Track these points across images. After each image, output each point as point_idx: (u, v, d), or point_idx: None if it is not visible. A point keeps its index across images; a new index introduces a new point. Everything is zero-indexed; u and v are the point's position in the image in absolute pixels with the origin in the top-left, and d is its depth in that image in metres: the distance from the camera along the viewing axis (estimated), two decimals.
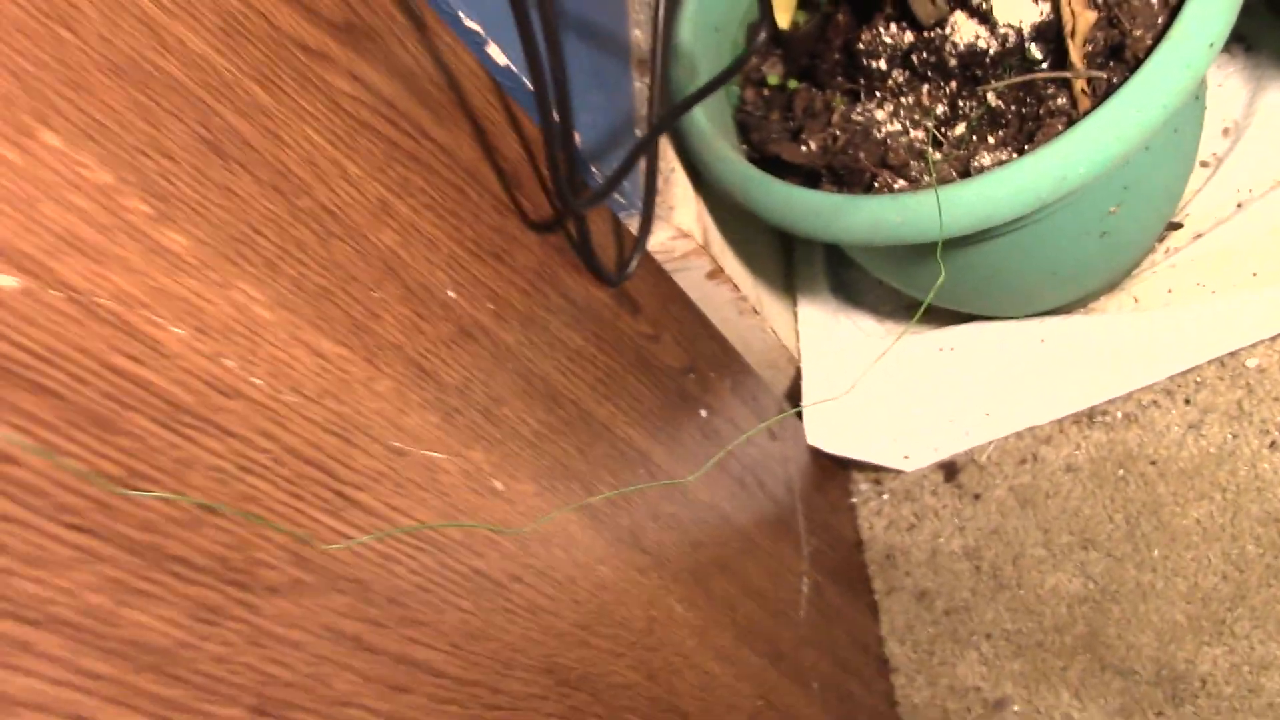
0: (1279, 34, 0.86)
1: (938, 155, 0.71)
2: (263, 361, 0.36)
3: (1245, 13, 0.64)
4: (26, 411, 0.28)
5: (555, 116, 0.51)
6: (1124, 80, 0.63)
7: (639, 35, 0.82)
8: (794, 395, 0.91)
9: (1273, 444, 0.78)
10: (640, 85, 0.79)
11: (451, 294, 0.47)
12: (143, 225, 0.34)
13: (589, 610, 0.50)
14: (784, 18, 0.84)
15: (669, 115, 0.72)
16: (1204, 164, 0.86)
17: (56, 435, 0.29)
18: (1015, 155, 0.70)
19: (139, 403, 0.31)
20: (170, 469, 0.31)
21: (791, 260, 0.96)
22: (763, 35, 0.74)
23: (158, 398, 0.32)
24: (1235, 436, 0.79)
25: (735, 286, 0.79)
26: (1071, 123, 0.67)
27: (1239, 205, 0.82)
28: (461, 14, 0.57)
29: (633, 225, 0.70)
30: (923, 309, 0.84)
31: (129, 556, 0.29)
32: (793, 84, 0.81)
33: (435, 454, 0.43)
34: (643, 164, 0.67)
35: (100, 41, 0.35)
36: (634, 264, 0.62)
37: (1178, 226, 0.85)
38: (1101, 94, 0.68)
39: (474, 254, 0.50)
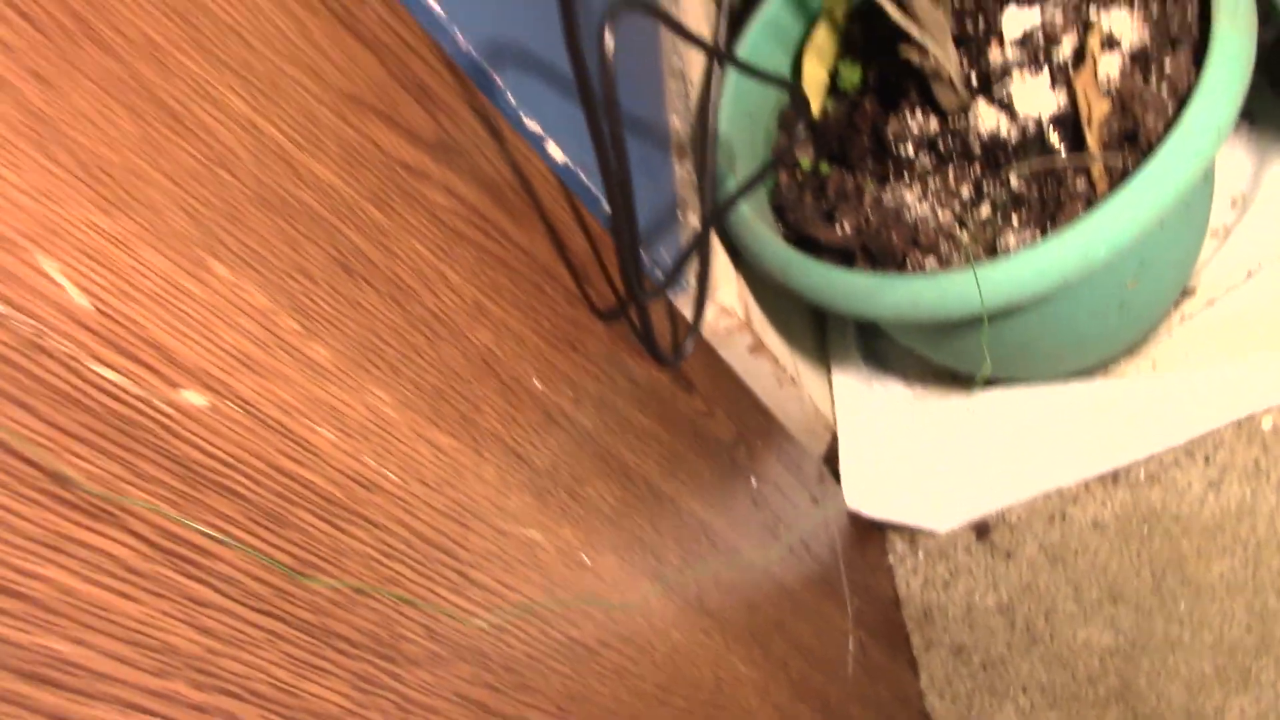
0: None
1: (966, 238, 0.76)
2: (393, 457, 0.41)
3: (1249, 89, 0.69)
4: (219, 511, 0.33)
5: (623, 218, 0.56)
6: (1139, 164, 0.68)
7: (676, 121, 0.88)
8: (830, 459, 0.95)
9: None
10: (680, 170, 0.84)
11: (538, 384, 0.52)
12: (294, 341, 0.38)
13: (666, 672, 0.54)
14: (814, 105, 0.89)
15: (720, 209, 0.77)
16: (1214, 233, 0.91)
17: (242, 531, 0.33)
18: (1039, 234, 0.75)
19: (302, 499, 0.36)
20: (330, 557, 0.36)
21: (824, 331, 1.01)
22: (800, 128, 0.79)
23: (316, 494, 0.36)
24: (1254, 493, 0.83)
25: (775, 359, 0.84)
26: (1091, 204, 0.72)
27: (1249, 273, 0.87)
28: (523, 115, 0.62)
29: (682, 304, 0.75)
30: (981, 383, 0.88)
31: (304, 636, 0.34)
32: (824, 168, 0.86)
33: (533, 533, 0.47)
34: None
35: (251, 179, 0.40)
36: (689, 346, 0.67)
37: (1190, 293, 0.90)
38: (1118, 177, 0.73)
39: (553, 345, 0.55)
